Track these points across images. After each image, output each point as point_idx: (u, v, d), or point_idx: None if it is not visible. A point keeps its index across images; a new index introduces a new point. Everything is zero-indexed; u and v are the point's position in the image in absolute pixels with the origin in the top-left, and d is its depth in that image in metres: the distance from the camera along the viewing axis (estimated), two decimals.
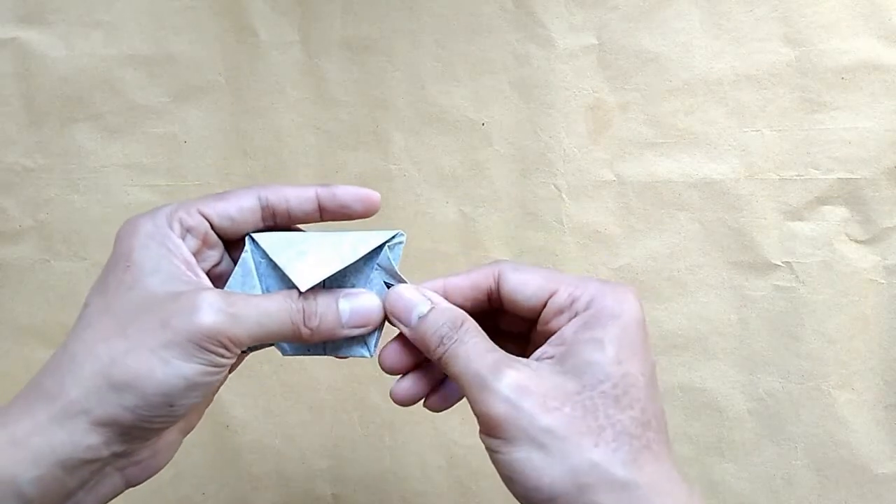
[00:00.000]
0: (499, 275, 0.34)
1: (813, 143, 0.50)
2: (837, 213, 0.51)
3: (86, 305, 0.32)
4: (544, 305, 0.33)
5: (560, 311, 0.32)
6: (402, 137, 0.53)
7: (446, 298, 0.34)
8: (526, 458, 0.29)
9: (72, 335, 0.32)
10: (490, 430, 0.30)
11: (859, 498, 0.51)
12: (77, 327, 0.32)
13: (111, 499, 0.32)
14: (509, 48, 0.52)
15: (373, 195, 0.36)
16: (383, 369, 0.35)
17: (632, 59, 0.51)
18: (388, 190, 0.54)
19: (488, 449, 0.31)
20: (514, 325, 0.36)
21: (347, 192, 0.36)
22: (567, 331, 0.32)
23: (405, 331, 0.34)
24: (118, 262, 0.33)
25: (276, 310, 0.32)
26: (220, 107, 0.54)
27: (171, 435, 0.33)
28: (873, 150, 0.50)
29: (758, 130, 0.51)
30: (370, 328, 0.34)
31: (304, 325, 0.32)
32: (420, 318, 0.33)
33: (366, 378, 0.55)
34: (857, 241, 0.51)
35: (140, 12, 0.54)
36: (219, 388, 0.35)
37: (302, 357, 0.36)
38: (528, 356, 0.33)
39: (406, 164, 0.54)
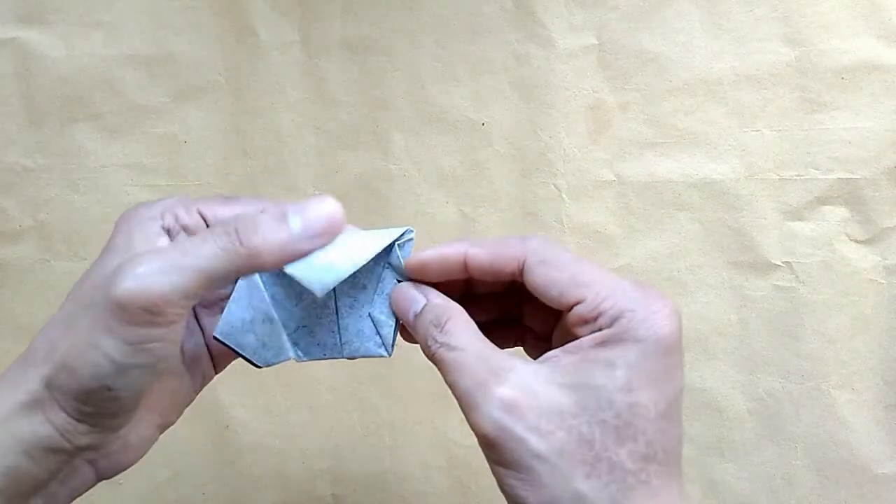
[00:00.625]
0: (524, 264, 0.31)
1: (813, 143, 0.50)
2: (837, 213, 0.51)
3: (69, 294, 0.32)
4: (569, 309, 0.30)
5: (584, 322, 0.30)
6: (402, 137, 0.53)
7: (466, 267, 0.32)
8: (515, 477, 0.28)
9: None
10: (483, 445, 0.29)
11: (859, 498, 0.51)
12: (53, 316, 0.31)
13: (84, 491, 0.31)
14: (509, 48, 0.52)
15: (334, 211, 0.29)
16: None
17: (632, 59, 0.51)
18: (388, 190, 0.54)
19: (486, 457, 0.30)
20: (536, 312, 0.34)
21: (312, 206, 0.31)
22: (585, 342, 0.29)
23: (410, 328, 0.33)
24: (103, 249, 0.31)
25: (198, 245, 0.28)
26: (220, 107, 0.54)
27: (144, 429, 0.32)
28: (873, 150, 0.50)
29: (758, 130, 0.51)
30: (332, 235, 0.29)
31: (242, 244, 0.27)
32: (415, 315, 0.32)
33: (366, 378, 0.55)
34: (857, 241, 0.51)
35: (140, 12, 0.54)
36: (199, 374, 0.34)
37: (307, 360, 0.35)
38: (551, 337, 0.31)
39: (406, 164, 0.54)
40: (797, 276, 0.51)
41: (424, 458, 0.55)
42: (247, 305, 0.33)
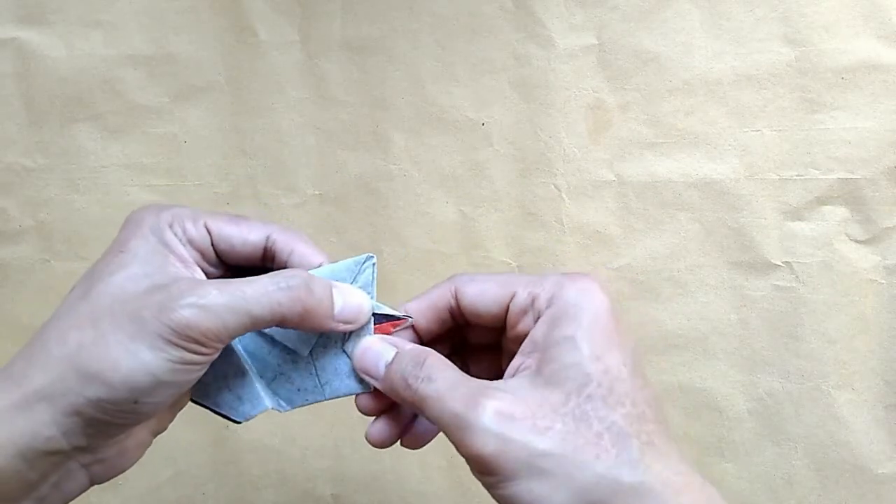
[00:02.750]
0: (455, 290, 0.33)
1: (813, 143, 0.50)
2: (837, 213, 0.51)
3: (71, 290, 0.31)
4: (507, 311, 0.31)
5: (524, 312, 0.31)
6: (402, 137, 0.53)
7: (414, 329, 0.33)
8: (528, 489, 0.27)
9: (49, 320, 0.30)
10: (483, 468, 0.28)
11: (859, 498, 0.51)
12: (56, 312, 0.30)
13: (77, 496, 0.31)
14: (509, 48, 0.52)
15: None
16: (360, 411, 0.34)
17: (632, 59, 0.51)
18: (388, 190, 0.54)
19: (485, 486, 0.29)
20: (483, 337, 0.35)
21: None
22: (537, 333, 0.30)
23: (377, 384, 0.33)
24: (113, 248, 0.31)
25: (259, 295, 0.30)
26: (220, 107, 0.54)
27: (140, 435, 0.32)
28: (873, 150, 0.50)
29: (758, 130, 0.51)
30: (357, 325, 0.33)
31: (302, 303, 0.30)
32: (386, 366, 0.32)
33: None
34: (857, 241, 0.51)
35: (140, 12, 0.54)
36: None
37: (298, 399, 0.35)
38: (503, 368, 0.32)
39: (406, 164, 0.54)
40: (797, 276, 0.51)
41: (424, 458, 0.55)
42: (220, 361, 0.33)
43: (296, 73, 0.54)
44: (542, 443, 0.28)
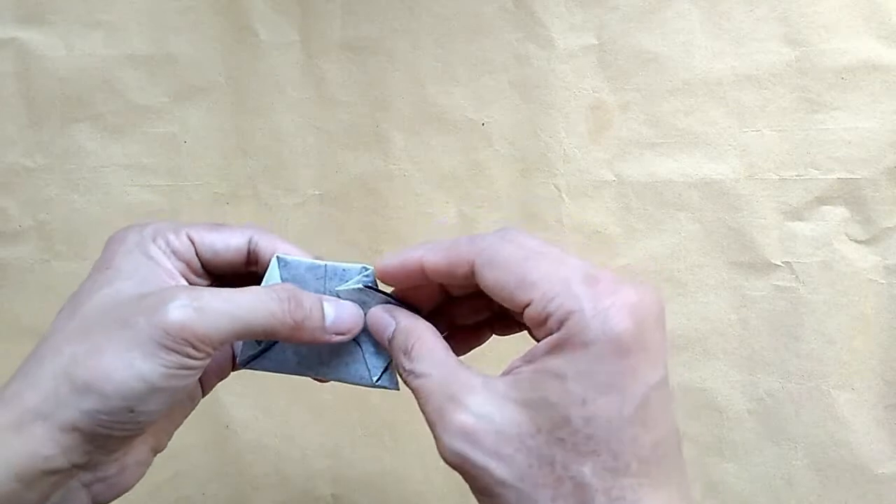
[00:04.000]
0: (473, 266, 0.30)
1: (813, 143, 0.50)
2: (837, 213, 0.51)
3: (61, 310, 0.31)
4: (522, 311, 0.29)
5: (537, 325, 0.28)
6: (402, 137, 0.53)
7: (424, 274, 0.31)
8: (486, 501, 0.28)
9: (40, 341, 0.30)
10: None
11: (859, 498, 0.51)
12: (47, 333, 0.30)
13: None
14: (509, 48, 0.52)
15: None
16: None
17: (632, 59, 0.51)
18: (388, 190, 0.54)
19: None
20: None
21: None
22: (539, 348, 0.28)
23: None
24: (98, 266, 0.32)
25: (251, 301, 0.30)
26: (220, 107, 0.54)
27: (139, 452, 0.32)
28: (873, 150, 0.50)
29: (758, 130, 0.51)
30: (349, 336, 0.33)
31: (291, 315, 0.31)
32: (389, 340, 0.32)
33: None
34: (857, 241, 0.51)
35: (140, 12, 0.54)
36: (193, 400, 0.34)
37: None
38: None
39: (406, 164, 0.54)
40: (797, 276, 0.51)
41: (424, 458, 0.55)
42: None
43: (296, 73, 0.54)
44: (499, 470, 0.27)
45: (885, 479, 0.51)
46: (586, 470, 0.26)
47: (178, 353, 0.28)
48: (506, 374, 0.29)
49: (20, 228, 0.55)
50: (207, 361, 0.30)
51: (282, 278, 0.34)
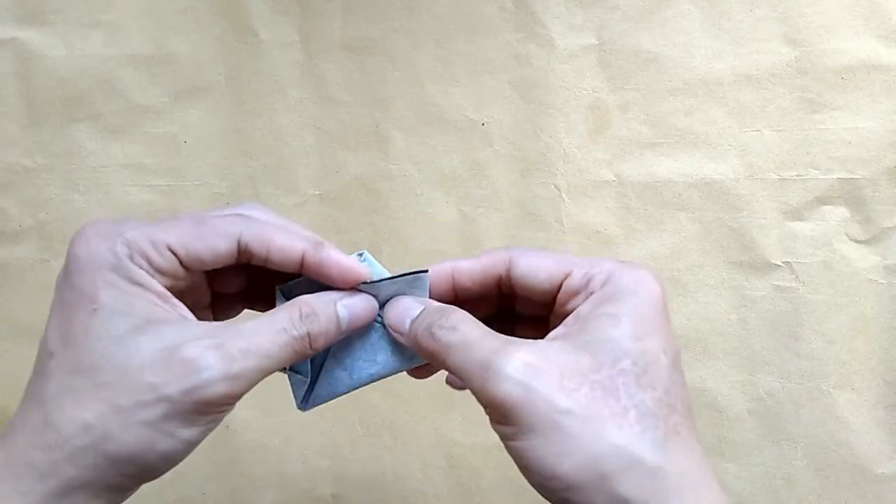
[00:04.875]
0: (509, 261, 0.32)
1: (813, 143, 0.50)
2: (837, 213, 0.51)
3: (49, 355, 0.29)
4: (559, 289, 0.31)
5: (576, 293, 0.30)
6: (402, 137, 0.53)
7: (455, 282, 0.33)
8: (543, 445, 0.27)
9: (45, 399, 0.28)
10: (502, 418, 0.28)
11: (859, 498, 0.51)
12: (48, 387, 0.28)
13: None
14: (509, 48, 0.52)
15: (358, 272, 0.32)
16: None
17: (632, 59, 0.51)
18: (388, 190, 0.54)
19: (501, 437, 0.28)
20: (530, 309, 0.34)
21: (334, 266, 0.32)
22: (583, 309, 0.30)
23: (402, 339, 0.32)
24: (80, 299, 0.29)
25: (277, 348, 0.30)
26: (220, 107, 0.54)
27: None
28: (873, 150, 0.50)
29: (758, 130, 0.51)
30: (366, 325, 0.33)
31: (311, 346, 0.31)
32: (412, 320, 0.31)
33: None
34: (857, 241, 0.51)
35: (140, 12, 0.54)
36: None
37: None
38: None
39: (406, 164, 0.54)
40: (797, 276, 0.51)
41: (424, 458, 0.55)
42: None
43: (296, 73, 0.54)
44: (565, 401, 0.27)
45: (885, 479, 0.51)
46: (648, 399, 0.28)
47: (214, 413, 0.29)
48: (549, 339, 0.30)
49: (20, 228, 0.55)
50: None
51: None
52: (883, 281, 0.51)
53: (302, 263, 0.32)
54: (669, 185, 0.52)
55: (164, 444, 0.28)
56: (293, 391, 0.35)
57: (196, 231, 0.31)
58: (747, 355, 0.52)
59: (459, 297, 0.34)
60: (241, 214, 0.32)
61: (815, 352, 0.51)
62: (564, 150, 0.52)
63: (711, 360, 0.52)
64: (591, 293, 0.30)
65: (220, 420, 0.30)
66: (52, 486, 0.27)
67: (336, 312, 0.32)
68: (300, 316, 0.31)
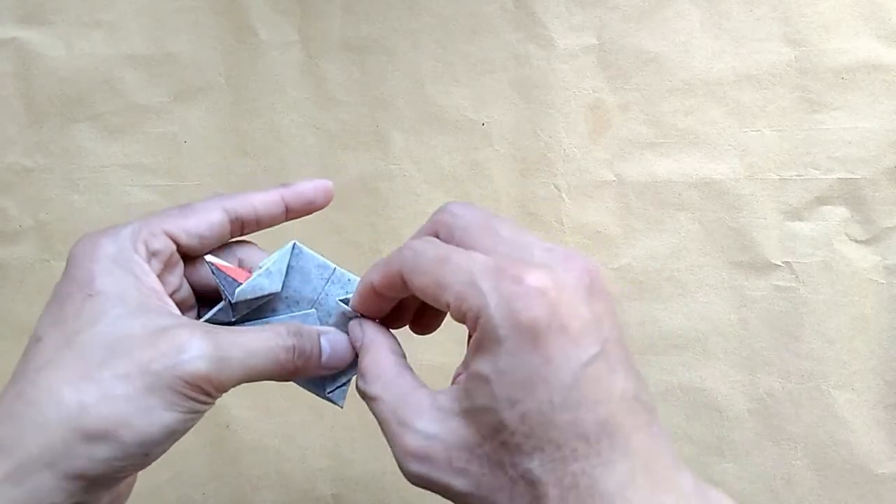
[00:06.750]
0: (403, 279, 0.30)
1: (813, 143, 0.50)
2: (837, 213, 0.51)
3: (38, 339, 0.29)
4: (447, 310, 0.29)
5: (460, 320, 0.28)
6: (402, 137, 0.53)
7: (378, 294, 0.32)
8: None
9: (24, 375, 0.28)
10: None
11: (859, 498, 0.51)
12: (30, 365, 0.28)
13: None
14: (509, 48, 0.52)
15: (328, 184, 0.35)
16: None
17: (632, 59, 0.51)
18: (388, 190, 0.54)
19: None
20: None
21: (308, 188, 0.35)
22: (468, 353, 0.28)
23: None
24: (77, 288, 0.29)
25: (264, 351, 0.30)
26: (220, 107, 0.54)
27: (131, 477, 0.32)
28: (873, 150, 0.50)
29: (758, 130, 0.51)
30: (342, 368, 0.34)
31: (294, 364, 0.31)
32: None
33: None
34: (857, 241, 0.51)
35: (140, 12, 0.54)
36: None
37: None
38: None
39: (406, 164, 0.54)
40: (797, 276, 0.51)
41: None
42: None
43: (296, 73, 0.54)
44: (459, 484, 0.27)
45: (885, 479, 0.51)
46: (534, 466, 0.26)
47: (195, 400, 0.29)
48: (447, 389, 0.29)
49: (20, 228, 0.55)
50: (215, 403, 0.30)
51: (289, 265, 0.34)
52: (883, 281, 0.51)
53: (285, 206, 0.34)
54: (669, 185, 0.52)
55: (140, 421, 0.27)
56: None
57: (185, 212, 0.32)
58: (747, 355, 0.52)
59: (391, 301, 0.33)
60: (217, 193, 0.34)
61: (815, 352, 0.51)
62: (564, 150, 0.52)
63: (711, 360, 0.52)
64: (472, 331, 0.27)
65: (200, 415, 0.30)
66: (14, 465, 0.26)
67: (319, 342, 0.32)
68: (288, 332, 0.31)
